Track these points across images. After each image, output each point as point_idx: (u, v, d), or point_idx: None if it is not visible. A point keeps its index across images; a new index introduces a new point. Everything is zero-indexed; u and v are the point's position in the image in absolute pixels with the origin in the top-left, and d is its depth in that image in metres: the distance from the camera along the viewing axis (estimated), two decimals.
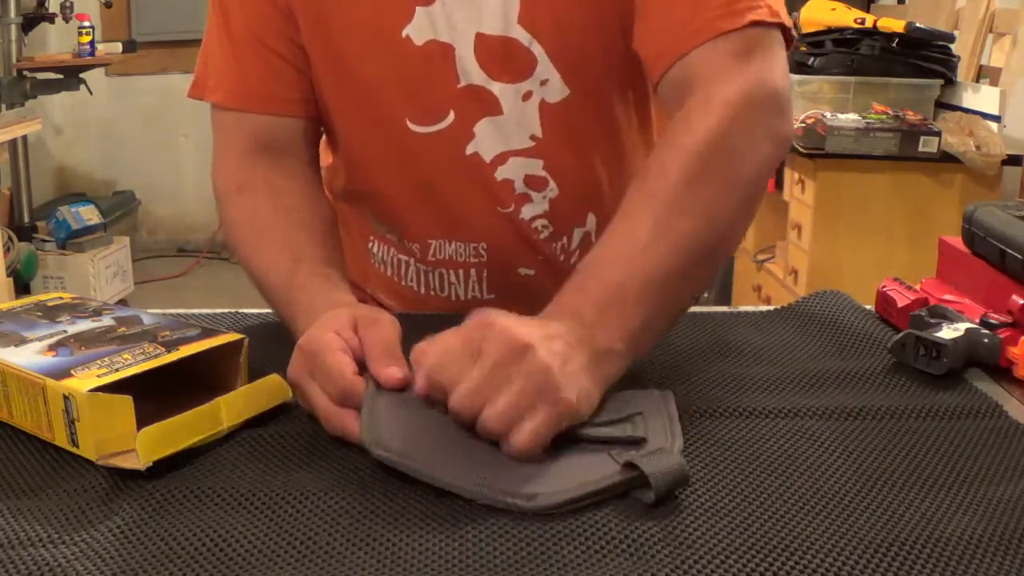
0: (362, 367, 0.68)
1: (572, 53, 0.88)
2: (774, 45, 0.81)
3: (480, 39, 0.87)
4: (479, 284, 0.97)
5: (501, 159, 0.91)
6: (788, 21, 0.83)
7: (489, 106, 0.89)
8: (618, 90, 0.93)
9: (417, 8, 0.86)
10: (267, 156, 0.93)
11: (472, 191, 0.92)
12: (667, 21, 0.82)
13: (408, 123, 0.90)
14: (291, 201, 0.90)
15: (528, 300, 0.97)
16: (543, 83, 0.88)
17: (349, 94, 0.92)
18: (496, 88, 0.88)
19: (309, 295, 0.80)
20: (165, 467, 0.62)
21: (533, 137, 0.91)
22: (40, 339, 0.73)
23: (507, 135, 0.90)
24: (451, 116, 0.90)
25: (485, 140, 0.90)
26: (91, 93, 4.08)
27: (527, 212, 0.94)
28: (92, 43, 3.97)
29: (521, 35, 0.87)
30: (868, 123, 2.48)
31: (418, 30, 0.87)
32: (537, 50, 0.87)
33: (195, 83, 0.96)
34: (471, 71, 0.88)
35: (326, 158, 1.03)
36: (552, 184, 0.93)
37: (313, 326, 0.71)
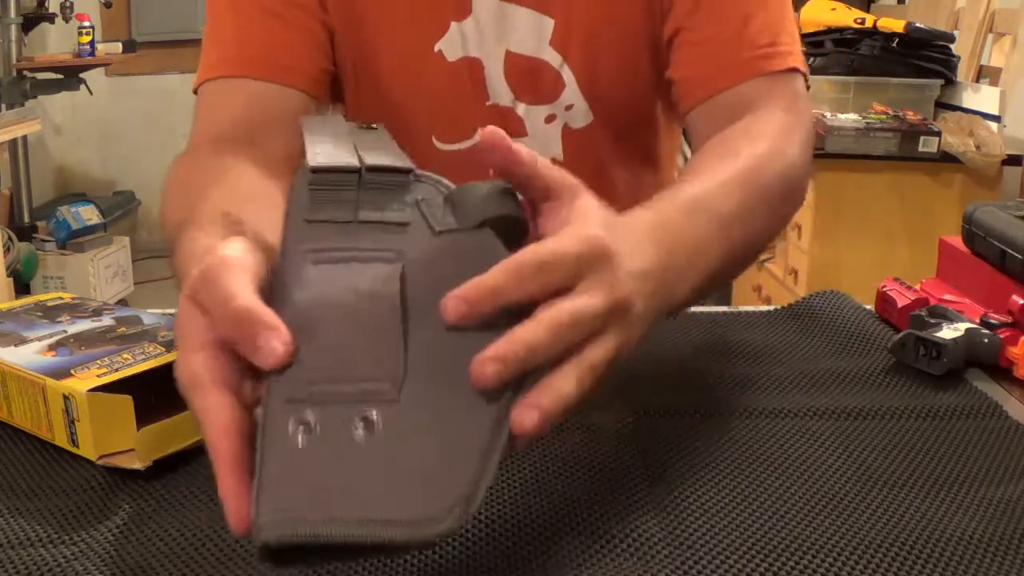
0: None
1: (600, 79, 0.88)
2: (803, 91, 0.85)
3: (510, 57, 0.87)
4: None
5: None
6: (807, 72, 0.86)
7: (514, 127, 0.89)
8: (643, 118, 0.92)
9: (452, 23, 0.86)
10: (231, 144, 0.79)
11: None
12: (710, 54, 0.83)
13: (434, 140, 0.90)
14: (231, 168, 0.73)
15: None
16: (568, 108, 0.88)
17: (379, 109, 0.91)
18: (521, 109, 0.88)
19: (188, 247, 0.56)
20: (165, 467, 0.62)
21: (555, 160, 0.90)
22: (40, 339, 0.73)
23: None
24: (478, 135, 0.89)
25: None
26: (91, 93, 4.08)
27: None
28: (92, 43, 3.98)
29: (552, 57, 0.86)
30: (868, 123, 2.48)
31: (451, 45, 0.87)
32: (567, 74, 0.87)
33: (197, 76, 0.89)
34: (499, 90, 0.88)
35: None
36: None
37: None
